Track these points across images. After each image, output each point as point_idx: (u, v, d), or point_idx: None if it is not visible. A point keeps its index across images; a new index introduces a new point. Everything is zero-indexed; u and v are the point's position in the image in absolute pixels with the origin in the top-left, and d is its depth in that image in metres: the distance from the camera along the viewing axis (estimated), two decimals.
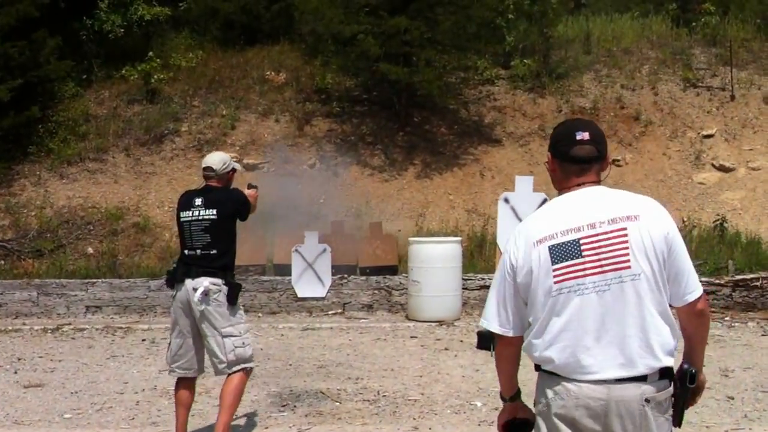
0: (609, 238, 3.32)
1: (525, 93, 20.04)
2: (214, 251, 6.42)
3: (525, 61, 20.37)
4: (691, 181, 17.46)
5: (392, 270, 14.41)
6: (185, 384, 6.66)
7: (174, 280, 6.52)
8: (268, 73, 20.32)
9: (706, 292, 3.73)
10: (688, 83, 20.25)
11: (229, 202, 6.61)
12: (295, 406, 8.43)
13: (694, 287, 3.41)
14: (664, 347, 3.31)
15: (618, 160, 17.95)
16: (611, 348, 3.28)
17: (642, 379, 3.28)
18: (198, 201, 6.55)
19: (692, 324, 3.47)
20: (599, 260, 3.31)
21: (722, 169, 17.84)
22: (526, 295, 3.43)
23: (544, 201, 7.38)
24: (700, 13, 22.54)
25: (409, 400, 8.65)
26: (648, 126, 19.04)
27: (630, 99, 19.78)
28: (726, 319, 13.03)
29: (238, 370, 6.47)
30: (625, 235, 3.31)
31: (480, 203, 17.08)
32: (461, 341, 11.70)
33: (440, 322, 12.87)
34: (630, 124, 19.14)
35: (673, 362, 3.39)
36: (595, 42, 21.75)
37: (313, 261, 14.09)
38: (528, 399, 3.75)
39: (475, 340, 3.87)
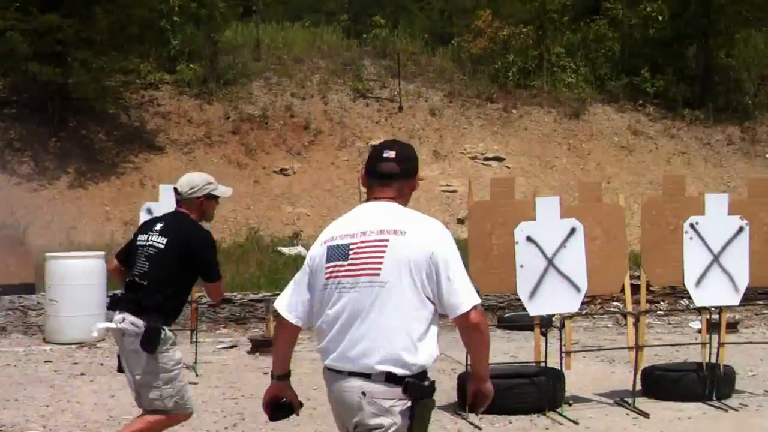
0: (371, 247, 3.56)
1: (191, 99, 19.11)
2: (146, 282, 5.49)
3: (191, 65, 19.46)
4: (357, 191, 17.28)
5: (29, 288, 12.93)
6: None
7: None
8: None
9: None
10: (358, 94, 20.20)
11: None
12: None
13: (463, 302, 3.51)
14: (386, 354, 3.47)
15: (286, 170, 17.44)
16: (348, 342, 3.53)
17: (366, 376, 3.48)
18: (158, 225, 5.61)
19: (465, 335, 3.59)
20: (358, 264, 3.56)
21: None
22: (314, 287, 3.70)
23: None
24: (371, 26, 22.72)
25: None
26: (317, 135, 18.73)
27: (300, 108, 19.39)
28: None
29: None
30: (385, 247, 3.54)
31: (139, 215, 15.89)
32: (101, 364, 10.52)
33: (81, 344, 11.60)
34: (299, 132, 18.74)
35: (398, 371, 3.46)
36: (266, 49, 21.26)
37: None
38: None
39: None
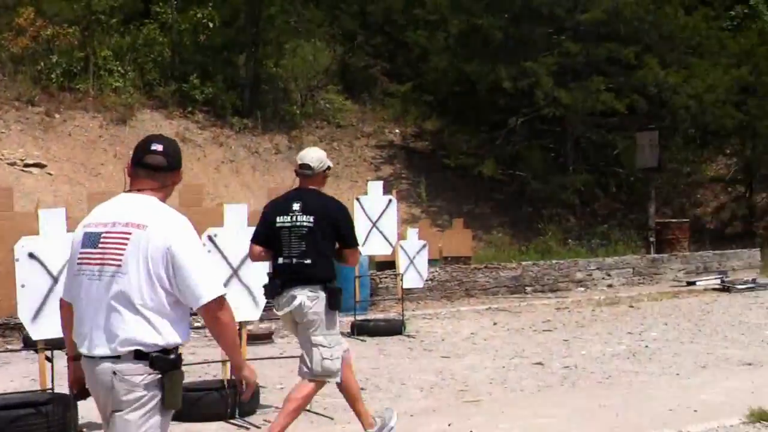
0: (117, 238, 3.71)
1: None
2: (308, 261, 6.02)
3: None
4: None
5: None
6: None
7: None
8: None
9: None
10: None
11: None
12: None
13: (201, 296, 3.69)
14: (126, 338, 3.65)
15: None
16: (95, 329, 3.71)
17: (115, 357, 3.66)
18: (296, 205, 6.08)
19: (208, 325, 3.80)
20: (104, 254, 3.71)
21: None
22: (71, 270, 3.87)
23: None
24: None
25: None
26: None
27: None
28: None
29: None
30: (128, 239, 3.69)
31: None
32: None
33: None
34: None
35: (143, 349, 3.64)
36: None
37: None
38: None
39: None
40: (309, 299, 5.92)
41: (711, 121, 22.85)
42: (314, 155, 6.11)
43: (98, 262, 3.74)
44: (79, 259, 3.81)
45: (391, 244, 11.55)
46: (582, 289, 15.77)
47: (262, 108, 23.70)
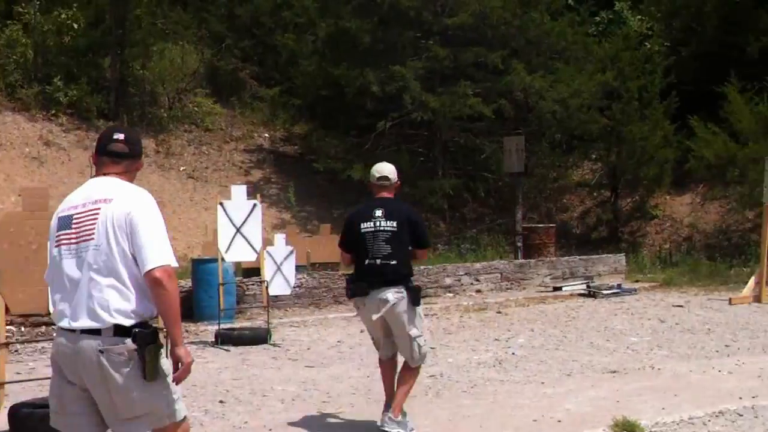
0: (88, 215, 4.08)
1: None
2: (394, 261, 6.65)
3: None
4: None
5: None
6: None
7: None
8: None
9: None
10: None
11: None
12: None
13: (149, 260, 3.96)
14: (106, 308, 3.96)
15: None
16: (71, 303, 4.02)
17: (96, 332, 3.95)
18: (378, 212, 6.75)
19: (153, 294, 4.01)
20: (79, 232, 4.07)
21: None
22: (50, 255, 4.20)
23: None
24: None
25: None
26: None
27: None
28: None
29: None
30: (97, 214, 4.06)
31: None
32: None
33: None
34: None
35: (123, 321, 3.96)
36: None
37: None
38: None
39: None
40: (397, 299, 6.62)
41: (576, 126, 23.27)
42: (390, 168, 6.99)
43: (74, 240, 4.08)
44: (56, 241, 4.14)
45: (255, 250, 11.30)
46: (451, 294, 15.74)
47: (128, 111, 23.07)
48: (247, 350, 10.56)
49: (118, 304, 3.97)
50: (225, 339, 11.00)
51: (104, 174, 4.23)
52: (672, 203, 24.68)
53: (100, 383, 3.97)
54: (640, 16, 26.96)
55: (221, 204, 11.23)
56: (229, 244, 11.14)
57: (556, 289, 16.53)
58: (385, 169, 6.96)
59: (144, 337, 3.97)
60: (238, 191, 11.42)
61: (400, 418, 6.65)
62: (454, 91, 21.52)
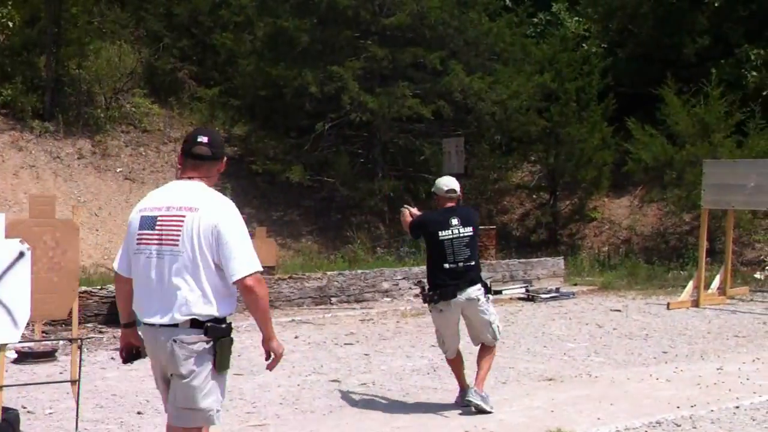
0: (173, 220, 4.33)
1: None
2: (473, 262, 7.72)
3: None
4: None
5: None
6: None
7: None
8: None
9: None
10: None
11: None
12: None
13: (237, 270, 4.28)
14: (184, 307, 4.28)
15: None
16: (155, 301, 4.33)
17: (174, 326, 4.29)
18: (454, 220, 7.71)
19: (244, 298, 4.37)
20: (162, 235, 4.34)
21: None
22: (130, 249, 4.50)
23: None
24: None
25: None
26: None
27: None
28: None
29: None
30: (182, 221, 4.32)
31: None
32: None
33: None
34: None
35: (198, 317, 4.30)
36: None
37: None
38: None
39: None
40: (479, 295, 7.68)
41: (515, 128, 23.24)
42: (456, 182, 8.06)
43: (156, 242, 4.34)
44: (138, 239, 4.41)
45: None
46: (388, 299, 15.60)
47: (64, 111, 22.48)
48: None
49: (199, 309, 4.29)
50: None
51: (189, 177, 4.50)
52: (611, 206, 24.80)
53: (172, 369, 4.34)
54: (577, 18, 27.09)
55: None
56: None
57: (495, 292, 16.41)
58: (452, 182, 8.02)
59: (216, 331, 4.31)
60: None
61: (484, 393, 7.58)
62: (392, 92, 21.36)
